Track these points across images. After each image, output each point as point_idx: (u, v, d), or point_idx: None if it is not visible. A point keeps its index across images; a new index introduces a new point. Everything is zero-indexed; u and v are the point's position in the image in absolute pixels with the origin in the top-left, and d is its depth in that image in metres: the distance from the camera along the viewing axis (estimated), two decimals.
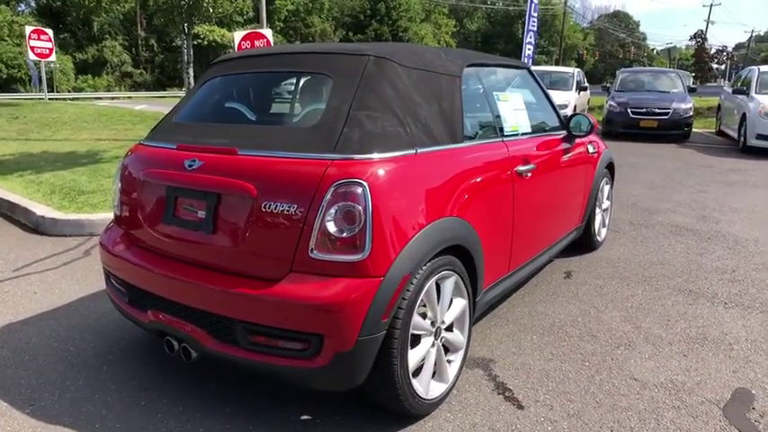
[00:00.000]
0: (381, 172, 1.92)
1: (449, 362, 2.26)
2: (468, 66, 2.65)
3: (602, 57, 65.30)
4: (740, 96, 10.18)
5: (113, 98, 28.84)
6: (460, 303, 2.28)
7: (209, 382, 2.41)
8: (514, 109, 3.02)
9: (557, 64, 39.84)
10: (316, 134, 2.02)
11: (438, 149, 2.24)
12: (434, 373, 2.19)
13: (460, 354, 2.33)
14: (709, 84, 42.21)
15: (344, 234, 1.84)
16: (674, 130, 10.90)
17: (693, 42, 43.68)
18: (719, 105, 12.18)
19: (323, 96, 2.30)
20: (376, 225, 1.85)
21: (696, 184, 6.80)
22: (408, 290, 1.93)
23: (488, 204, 2.47)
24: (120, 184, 2.49)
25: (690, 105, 11.02)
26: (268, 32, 9.93)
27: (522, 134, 2.99)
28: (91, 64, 34.38)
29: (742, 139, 9.52)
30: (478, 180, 2.40)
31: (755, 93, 9.70)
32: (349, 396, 2.24)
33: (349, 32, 44.70)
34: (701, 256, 4.14)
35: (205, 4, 6.93)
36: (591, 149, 3.84)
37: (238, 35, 9.54)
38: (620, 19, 72.46)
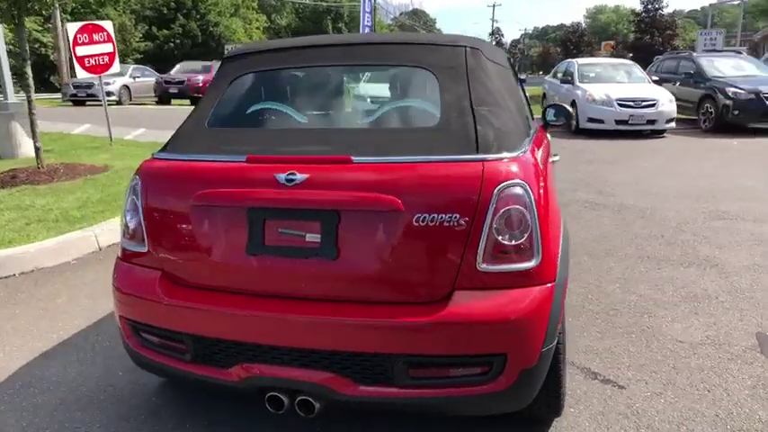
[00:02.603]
0: (530, 170, 1.81)
1: None
2: (508, 59, 2.63)
3: None
4: (566, 85, 11.76)
5: None
6: None
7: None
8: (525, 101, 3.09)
9: None
10: (444, 134, 1.82)
11: (537, 141, 2.19)
12: None
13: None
14: None
15: (514, 241, 1.70)
16: None
17: (492, 38, 49.38)
18: (544, 94, 13.90)
19: (420, 91, 2.09)
20: (542, 227, 1.74)
21: (566, 164, 7.66)
22: (565, 292, 1.86)
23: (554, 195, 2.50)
24: (143, 213, 1.96)
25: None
26: (108, 24, 8.63)
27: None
28: None
29: (574, 122, 11.00)
30: (551, 171, 2.41)
31: (579, 82, 11.31)
32: None
33: (152, 27, 40.82)
34: (628, 226, 4.70)
35: None
36: (549, 137, 4.09)
37: (73, 27, 8.11)
38: (418, 16, 78.12)
